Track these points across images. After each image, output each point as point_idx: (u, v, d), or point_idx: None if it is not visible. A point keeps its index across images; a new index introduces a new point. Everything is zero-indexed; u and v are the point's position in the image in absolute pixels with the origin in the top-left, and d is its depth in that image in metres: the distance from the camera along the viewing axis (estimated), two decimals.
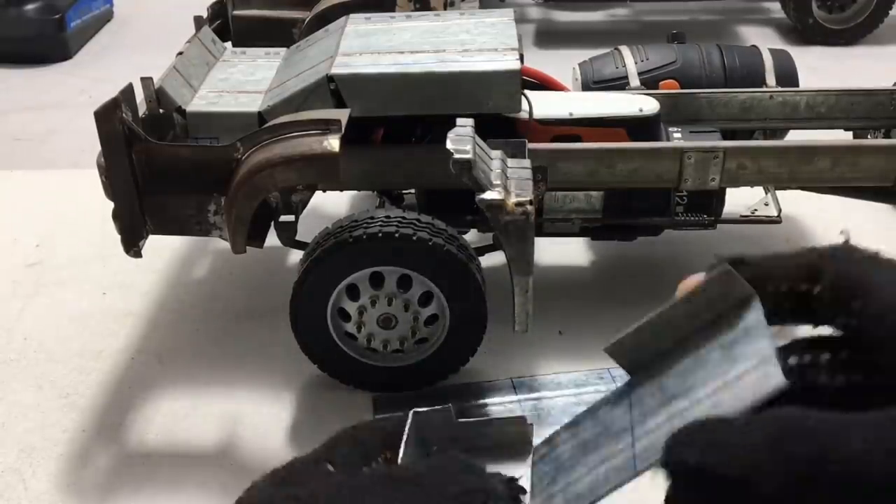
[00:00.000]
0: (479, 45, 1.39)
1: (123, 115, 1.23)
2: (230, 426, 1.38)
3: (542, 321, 1.55)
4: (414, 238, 1.29)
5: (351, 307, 1.36)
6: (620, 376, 1.45)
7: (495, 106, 1.31)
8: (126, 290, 1.72)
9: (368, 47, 1.37)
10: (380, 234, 1.29)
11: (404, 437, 0.45)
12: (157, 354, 1.54)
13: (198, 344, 1.57)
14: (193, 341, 1.58)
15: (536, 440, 1.40)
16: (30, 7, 2.88)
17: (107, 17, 3.22)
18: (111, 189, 1.27)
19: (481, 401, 1.41)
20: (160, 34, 1.95)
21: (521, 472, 0.46)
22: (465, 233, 1.50)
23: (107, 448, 1.34)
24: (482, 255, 1.44)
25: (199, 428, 1.38)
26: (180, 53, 1.50)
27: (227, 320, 1.63)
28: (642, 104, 1.51)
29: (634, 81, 1.69)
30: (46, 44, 2.88)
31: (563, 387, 1.44)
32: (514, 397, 1.41)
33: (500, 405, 1.40)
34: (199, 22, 1.66)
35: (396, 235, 1.29)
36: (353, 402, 1.40)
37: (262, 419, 1.40)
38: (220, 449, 1.34)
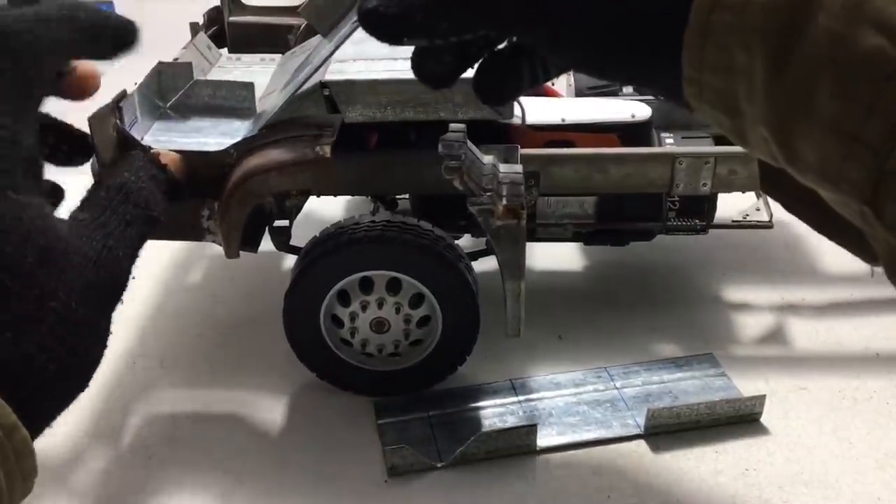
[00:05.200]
0: None
1: (117, 121, 1.23)
2: (231, 430, 1.39)
3: (541, 326, 1.56)
4: (399, 241, 1.29)
5: (343, 313, 1.36)
6: (618, 374, 1.48)
7: (488, 112, 1.31)
8: (126, 294, 1.72)
9: (362, 54, 1.37)
10: (365, 239, 1.30)
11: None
12: (159, 358, 1.55)
13: (199, 348, 1.58)
14: (195, 345, 1.58)
15: (540, 442, 1.42)
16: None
17: None
18: None
19: (481, 402, 1.41)
20: (159, 39, 1.95)
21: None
22: (459, 238, 1.51)
23: (108, 451, 1.35)
24: (475, 259, 1.45)
25: (200, 431, 1.38)
26: (176, 60, 1.51)
27: (227, 324, 1.64)
28: (635, 110, 1.52)
29: (628, 87, 1.69)
30: None
31: (562, 387, 1.45)
32: (514, 398, 1.42)
33: (501, 406, 1.40)
34: (194, 28, 1.67)
35: (382, 239, 1.29)
36: (353, 406, 1.41)
37: (262, 423, 1.40)
38: (221, 453, 1.34)
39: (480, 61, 0.53)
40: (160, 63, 1.41)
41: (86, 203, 0.53)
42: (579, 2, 0.43)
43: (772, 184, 0.48)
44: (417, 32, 0.48)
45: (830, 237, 0.48)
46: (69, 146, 0.55)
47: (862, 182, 0.36)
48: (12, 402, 0.43)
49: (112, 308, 0.53)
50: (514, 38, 0.50)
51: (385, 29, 0.47)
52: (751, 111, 0.40)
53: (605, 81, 0.45)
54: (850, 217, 0.40)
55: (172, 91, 1.41)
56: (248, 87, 1.39)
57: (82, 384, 0.51)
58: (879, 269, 0.41)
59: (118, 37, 0.53)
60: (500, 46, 0.52)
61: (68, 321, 0.48)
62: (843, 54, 0.35)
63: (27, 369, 0.45)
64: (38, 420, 0.46)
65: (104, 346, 0.52)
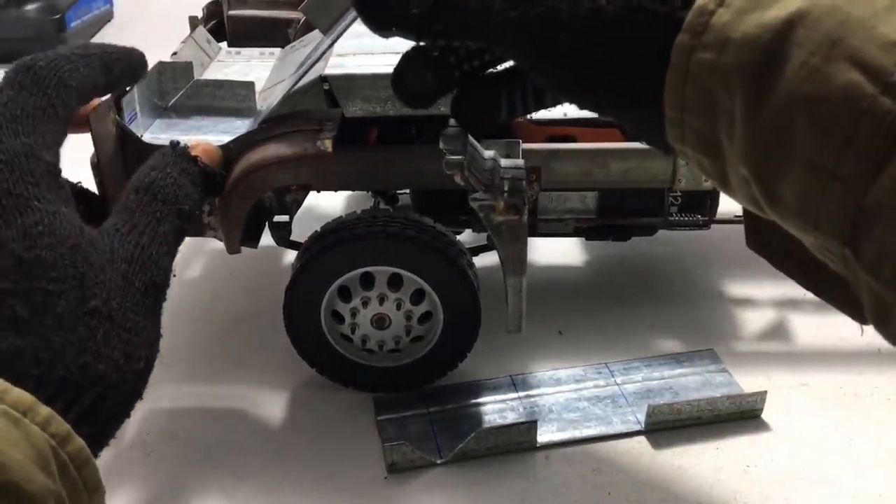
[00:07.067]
0: None
1: (116, 116, 1.23)
2: (230, 426, 1.38)
3: (541, 321, 1.55)
4: (400, 236, 1.29)
5: (343, 309, 1.36)
6: (619, 370, 1.48)
7: None
8: None
9: (362, 48, 1.37)
10: (366, 235, 1.29)
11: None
12: (159, 355, 1.54)
13: (198, 343, 1.57)
14: (194, 341, 1.57)
15: (540, 438, 1.42)
16: (30, 7, 2.88)
17: (107, 17, 3.22)
18: (104, 189, 1.27)
19: (481, 399, 1.41)
20: (160, 34, 1.95)
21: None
22: (460, 233, 1.50)
23: (107, 448, 1.34)
24: (476, 255, 1.45)
25: (200, 427, 1.38)
26: (174, 54, 1.50)
27: (227, 320, 1.63)
28: None
29: None
30: (46, 44, 2.84)
31: (562, 383, 1.44)
32: (514, 395, 1.41)
33: (501, 403, 1.40)
34: (194, 22, 1.66)
35: (383, 235, 1.29)
36: (354, 402, 1.40)
37: (262, 419, 1.40)
38: (220, 449, 1.34)
39: (460, 86, 0.52)
40: (160, 62, 1.40)
41: (116, 210, 0.54)
42: (563, 21, 0.42)
43: (757, 241, 0.49)
44: (408, 25, 0.47)
45: (818, 294, 0.49)
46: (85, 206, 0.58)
47: (841, 221, 0.37)
48: (70, 414, 0.43)
49: (158, 309, 0.54)
50: (499, 52, 0.49)
51: (377, 15, 0.47)
52: (731, 151, 0.40)
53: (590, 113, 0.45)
54: (834, 265, 0.40)
55: (173, 90, 1.40)
56: (249, 86, 1.38)
57: (140, 390, 0.52)
58: (869, 327, 0.41)
59: (133, 74, 0.59)
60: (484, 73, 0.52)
61: (115, 321, 0.49)
62: (819, 89, 0.35)
63: (84, 377, 0.46)
64: (101, 434, 0.47)
65: (156, 350, 0.54)
